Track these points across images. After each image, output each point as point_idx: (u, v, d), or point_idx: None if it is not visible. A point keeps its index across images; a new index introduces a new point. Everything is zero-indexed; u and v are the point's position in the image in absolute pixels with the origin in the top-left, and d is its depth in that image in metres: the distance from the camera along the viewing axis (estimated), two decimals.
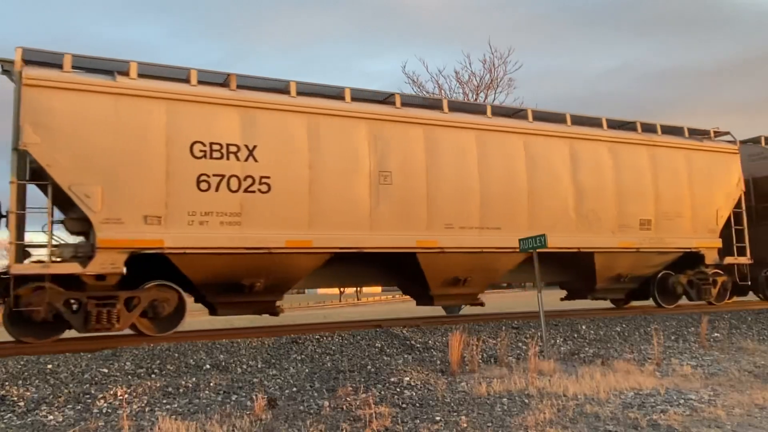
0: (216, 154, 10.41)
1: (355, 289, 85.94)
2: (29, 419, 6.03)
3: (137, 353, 8.56)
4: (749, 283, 15.77)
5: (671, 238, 14.44)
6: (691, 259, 15.10)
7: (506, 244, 12.68)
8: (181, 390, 6.95)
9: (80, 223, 9.97)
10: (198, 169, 10.26)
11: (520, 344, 10.04)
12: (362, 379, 7.49)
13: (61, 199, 9.93)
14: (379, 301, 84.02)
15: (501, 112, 13.53)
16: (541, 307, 9.78)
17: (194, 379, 7.43)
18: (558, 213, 13.25)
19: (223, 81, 10.98)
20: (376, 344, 9.83)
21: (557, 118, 13.99)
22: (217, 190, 10.36)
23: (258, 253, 10.65)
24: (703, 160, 15.13)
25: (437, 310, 20.31)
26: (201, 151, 10.32)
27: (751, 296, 17.32)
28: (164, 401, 6.56)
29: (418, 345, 9.88)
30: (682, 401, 6.46)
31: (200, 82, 10.67)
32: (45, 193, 9.81)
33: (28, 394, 6.77)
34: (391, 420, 5.73)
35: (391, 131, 11.88)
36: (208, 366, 8.42)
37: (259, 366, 8.57)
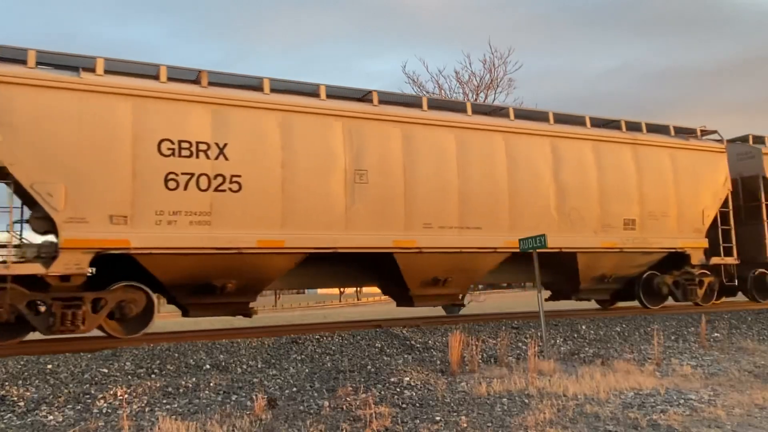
0: (185, 153, 10.06)
1: (355, 289, 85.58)
2: (29, 419, 5.96)
3: (137, 353, 8.44)
4: (736, 283, 15.38)
5: (656, 238, 14.06)
6: (677, 260, 14.72)
7: (487, 244, 12.33)
8: (181, 390, 6.86)
9: (45, 223, 9.60)
10: (166, 168, 9.91)
11: (520, 344, 9.87)
12: (362, 379, 7.40)
13: (27, 198, 9.61)
14: (379, 301, 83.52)
15: (482, 110, 13.16)
16: (541, 307, 9.65)
17: (194, 379, 7.34)
18: (540, 212, 12.87)
19: (194, 78, 10.64)
20: (376, 344, 9.71)
21: (540, 117, 13.63)
22: (185, 189, 10.01)
23: (228, 254, 10.30)
24: (689, 159, 14.75)
25: (437, 311, 20.00)
26: (169, 149, 9.96)
27: (740, 296, 16.93)
28: (164, 401, 6.48)
29: (418, 345, 9.76)
30: (682, 401, 6.38)
31: (170, 79, 10.32)
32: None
33: (28, 394, 6.67)
34: (391, 420, 5.67)
35: (368, 129, 11.52)
36: (208, 366, 8.31)
37: (259, 366, 8.46)
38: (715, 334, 11.14)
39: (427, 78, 40.19)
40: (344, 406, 6.19)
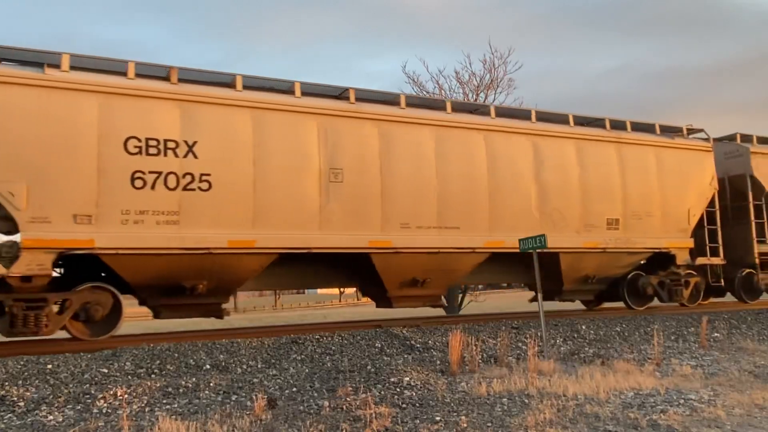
0: (152, 150, 9.70)
1: (355, 289, 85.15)
2: (29, 419, 5.89)
3: (137, 353, 8.33)
4: (722, 284, 15.01)
5: (640, 238, 13.69)
6: (663, 260, 14.36)
7: (466, 244, 11.98)
8: (181, 390, 6.79)
9: (6, 223, 9.29)
10: (133, 166, 9.56)
11: (520, 344, 9.73)
12: (362, 379, 7.32)
13: None
14: None
15: (462, 108, 12.79)
16: (541, 307, 9.55)
17: (194, 379, 7.25)
18: (520, 212, 12.50)
19: (165, 75, 10.29)
20: (376, 344, 9.60)
21: (521, 115, 13.28)
22: (153, 187, 9.66)
23: (198, 254, 9.94)
24: (675, 157, 14.37)
25: (438, 310, 19.67)
26: (136, 147, 9.61)
27: (729, 297, 16.57)
28: (164, 401, 6.41)
29: (418, 345, 9.65)
30: (682, 401, 6.33)
31: (139, 76, 9.96)
32: None
33: (28, 394, 6.58)
34: (391, 420, 5.62)
35: (344, 127, 11.17)
36: (208, 366, 8.21)
37: (259, 366, 8.36)
38: (715, 334, 11.01)
39: (428, 78, 39.84)
40: (344, 406, 6.11)
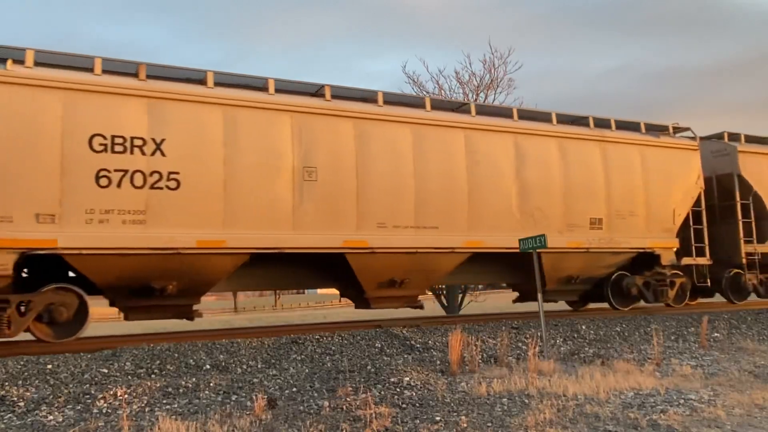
0: (118, 148, 9.36)
1: None
2: (29, 419, 5.82)
3: (137, 353, 8.23)
4: (708, 284, 14.64)
5: (624, 238, 13.32)
6: (648, 260, 13.99)
7: (444, 244, 11.63)
8: (181, 390, 6.71)
9: None
10: (98, 164, 9.21)
11: (520, 344, 9.63)
12: (362, 379, 7.25)
13: None
14: None
15: (442, 106, 12.43)
16: (541, 307, 9.46)
17: (194, 379, 7.16)
18: (501, 211, 12.14)
19: (134, 71, 9.96)
20: (376, 344, 9.50)
21: (503, 113, 12.94)
22: (119, 186, 9.32)
23: (166, 254, 9.60)
24: (660, 156, 14.00)
25: (438, 310, 19.28)
26: (101, 144, 9.27)
27: (718, 297, 16.20)
28: (164, 401, 6.35)
29: (418, 345, 9.56)
30: (682, 401, 6.28)
31: (106, 72, 9.61)
32: None
33: (28, 394, 6.50)
34: (391, 420, 5.57)
35: (318, 125, 10.82)
36: (208, 366, 8.12)
37: (259, 366, 8.28)
38: (715, 334, 10.89)
39: (428, 78, 39.43)
40: (344, 406, 6.05)
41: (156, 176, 9.55)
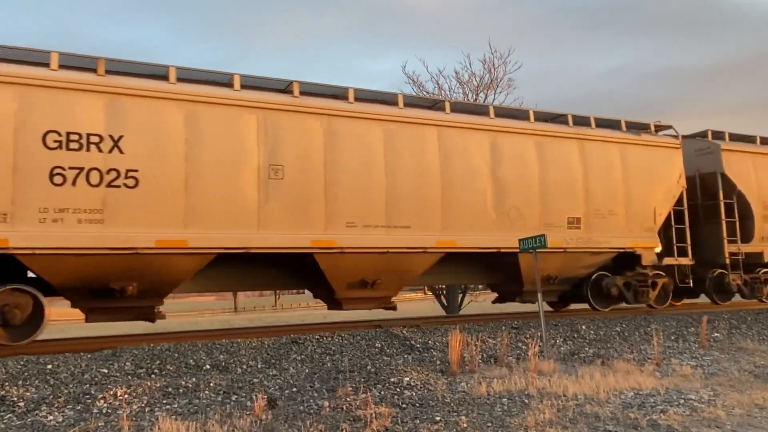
0: (74, 145, 8.94)
1: None
2: (29, 419, 5.75)
3: (137, 353, 8.15)
4: (690, 284, 14.18)
5: (603, 238, 12.86)
6: (629, 260, 13.54)
7: (416, 243, 11.18)
8: (181, 390, 6.64)
9: None
10: (52, 162, 8.79)
11: (520, 344, 9.52)
12: (362, 379, 7.19)
13: None
14: None
15: (415, 103, 11.98)
16: (541, 307, 9.35)
17: (194, 379, 7.09)
18: (475, 210, 11.70)
19: (93, 66, 9.54)
20: (376, 344, 9.41)
21: (479, 111, 12.49)
22: (74, 184, 8.90)
23: (124, 254, 9.19)
24: (641, 155, 13.54)
25: (438, 310, 18.83)
26: (56, 141, 8.85)
27: (703, 298, 15.76)
28: (164, 401, 6.28)
29: (418, 345, 9.46)
30: (682, 401, 6.23)
31: (63, 67, 9.21)
32: None
33: (28, 394, 6.43)
34: (391, 420, 5.52)
35: (286, 122, 10.39)
36: (208, 366, 8.05)
37: (259, 366, 8.20)
38: (715, 334, 10.77)
39: (427, 78, 38.97)
40: (344, 406, 6.00)
41: (113, 174, 9.13)
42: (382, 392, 6.67)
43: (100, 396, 6.33)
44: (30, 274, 9.34)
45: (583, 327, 10.91)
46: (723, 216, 14.58)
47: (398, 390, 6.79)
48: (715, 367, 8.32)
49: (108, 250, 9.08)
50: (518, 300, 13.06)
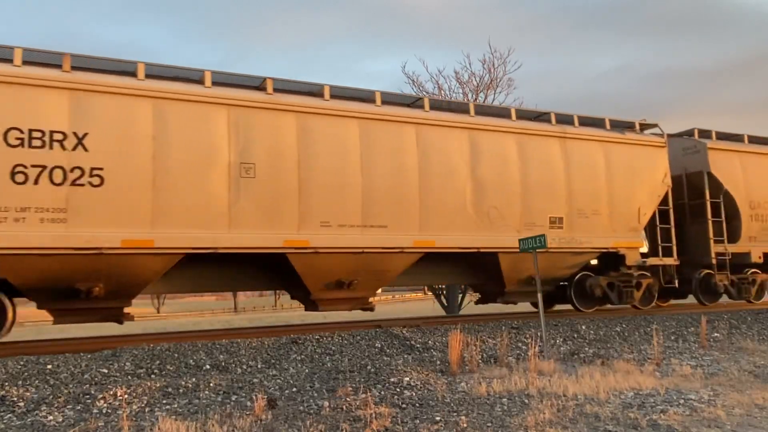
0: (36, 143, 8.63)
1: None
2: (29, 419, 5.69)
3: (137, 353, 8.10)
4: (675, 285, 13.83)
5: (586, 238, 12.52)
6: (614, 260, 13.21)
7: (393, 243, 10.86)
8: (181, 390, 6.57)
9: None
10: (13, 159, 8.48)
11: (519, 344, 9.44)
12: (362, 380, 7.11)
13: None
14: (379, 301, 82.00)
15: (393, 100, 11.62)
16: (542, 307, 9.17)
17: (194, 379, 7.01)
18: (454, 210, 11.36)
19: (59, 62, 9.23)
20: (376, 344, 9.33)
21: (459, 108, 12.16)
22: (36, 182, 8.58)
23: (89, 254, 8.88)
24: (625, 153, 13.19)
25: (438, 310, 18.56)
26: (17, 139, 8.54)
27: (691, 299, 15.41)
28: (164, 401, 6.22)
29: (418, 345, 9.38)
30: (681, 401, 6.18)
31: (27, 63, 8.90)
32: None
33: (28, 394, 6.35)
34: (391, 420, 5.46)
35: (258, 119, 10.07)
36: (208, 366, 8.00)
37: (258, 366, 8.15)
38: (715, 334, 10.68)
39: (427, 78, 38.69)
40: (344, 407, 5.95)
41: (77, 172, 8.82)
42: (382, 392, 6.61)
43: (100, 396, 6.25)
44: None
45: (583, 327, 10.79)
46: (709, 216, 14.23)
47: (398, 390, 6.71)
48: (715, 367, 8.21)
49: (72, 251, 8.77)
50: (500, 301, 12.73)
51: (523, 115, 12.69)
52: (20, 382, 6.94)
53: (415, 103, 11.83)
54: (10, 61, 8.82)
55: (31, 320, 33.52)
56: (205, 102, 9.72)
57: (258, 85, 10.53)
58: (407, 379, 7.12)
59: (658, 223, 13.54)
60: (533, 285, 12.45)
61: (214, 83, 10.00)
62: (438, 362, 8.13)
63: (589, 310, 13.13)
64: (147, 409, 5.98)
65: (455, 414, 5.74)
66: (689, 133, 15.14)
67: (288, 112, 10.29)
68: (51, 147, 8.70)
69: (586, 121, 13.19)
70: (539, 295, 9.30)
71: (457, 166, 11.48)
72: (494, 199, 11.69)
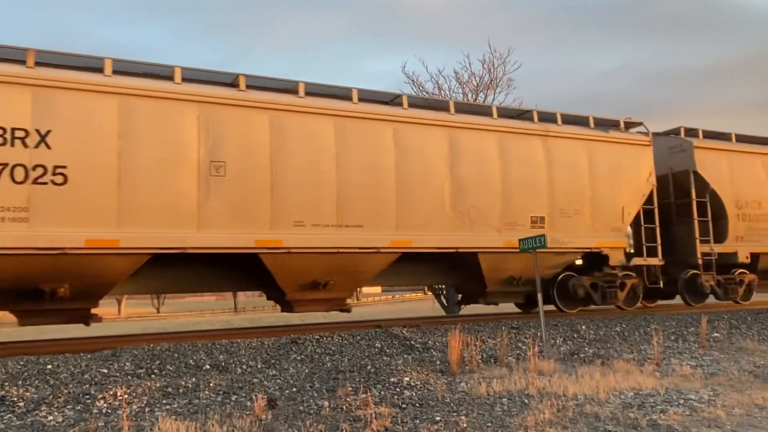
0: None
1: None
2: (29, 419, 5.62)
3: (137, 353, 8.03)
4: (660, 285, 13.48)
5: (569, 237, 12.18)
6: (598, 260, 12.88)
7: (369, 243, 10.53)
8: (180, 390, 6.51)
9: None
10: None
11: (519, 344, 9.37)
12: (362, 380, 7.05)
13: None
14: (379, 301, 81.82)
15: (371, 98, 11.29)
16: (541, 307, 9.08)
17: (194, 379, 6.94)
18: (432, 209, 11.02)
19: (23, 57, 8.91)
20: (376, 344, 9.26)
21: (439, 106, 11.83)
22: None
23: (52, 255, 8.56)
24: (609, 152, 12.84)
25: (438, 310, 18.39)
26: None
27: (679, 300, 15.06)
28: (164, 401, 6.16)
29: (418, 345, 9.31)
30: (681, 401, 6.12)
31: None
32: None
33: (28, 394, 6.29)
34: (391, 420, 5.40)
35: (229, 116, 9.74)
36: (207, 366, 7.93)
37: (258, 366, 8.08)
38: (715, 334, 10.60)
39: (427, 78, 38.38)
40: (344, 407, 5.90)
41: (40, 170, 8.50)
42: (382, 392, 6.54)
43: (100, 396, 6.19)
44: None
45: (583, 327, 10.68)
46: (695, 215, 13.89)
47: (398, 390, 6.65)
48: (715, 367, 8.12)
49: (34, 251, 8.44)
50: (481, 302, 12.41)
51: (505, 113, 12.37)
52: (20, 382, 6.87)
53: (393, 100, 11.50)
54: None
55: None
56: (173, 99, 9.39)
57: (231, 81, 10.22)
58: (407, 379, 7.05)
59: (642, 222, 13.20)
60: (515, 285, 12.22)
61: (185, 80, 9.68)
62: (438, 362, 8.05)
63: (572, 311, 12.79)
64: (147, 409, 5.92)
65: (455, 414, 5.69)
66: (675, 132, 14.80)
67: (260, 110, 9.97)
68: (12, 144, 8.38)
69: (569, 119, 12.85)
70: (539, 296, 9.08)
71: (436, 164, 11.15)
72: (474, 199, 11.36)
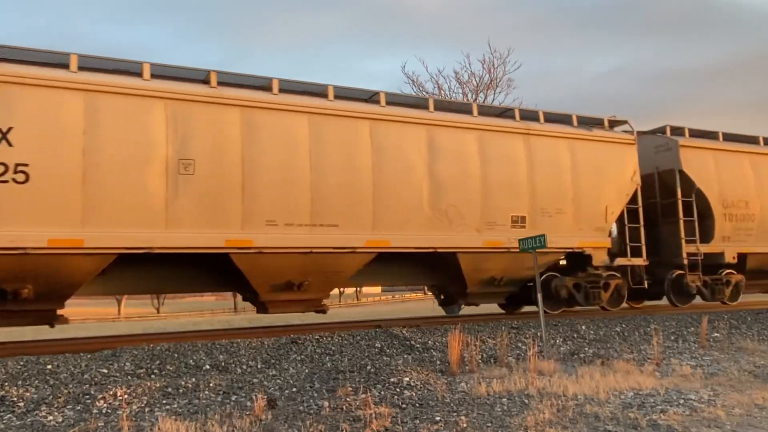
0: None
1: (355, 289, 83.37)
2: (29, 420, 5.57)
3: (137, 353, 7.97)
4: (645, 286, 13.15)
5: (550, 237, 11.84)
6: (582, 261, 12.55)
7: (344, 243, 10.21)
8: (180, 390, 6.45)
9: None
10: None
11: (519, 344, 9.27)
12: (362, 380, 6.98)
13: None
14: (379, 301, 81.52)
15: (347, 95, 10.97)
16: (541, 307, 9.00)
17: (194, 379, 6.87)
18: (410, 208, 10.70)
19: None
20: (376, 344, 9.17)
21: (418, 104, 11.52)
22: None
23: (13, 255, 8.25)
24: (592, 151, 12.51)
25: (438, 310, 18.22)
26: None
27: (664, 301, 14.73)
28: (164, 401, 6.11)
29: (418, 345, 9.23)
30: (681, 401, 6.07)
31: None
32: None
33: (28, 394, 6.23)
34: (391, 420, 5.36)
35: (198, 113, 9.43)
36: (207, 366, 7.87)
37: (258, 366, 8.01)
38: (715, 334, 10.50)
39: (427, 78, 38.12)
40: (344, 407, 5.85)
41: (1, 168, 8.19)
42: (382, 392, 6.49)
43: (100, 396, 6.13)
44: None
45: (583, 327, 10.58)
46: (681, 215, 13.55)
47: (398, 390, 6.59)
48: (714, 367, 8.04)
49: None
50: (462, 302, 12.09)
51: (486, 111, 12.05)
52: (20, 382, 6.81)
53: (371, 98, 11.17)
54: None
55: None
56: (140, 95, 9.08)
57: (203, 78, 9.91)
58: (407, 379, 6.98)
59: (627, 222, 12.88)
60: (496, 285, 11.90)
61: (154, 76, 9.38)
62: (438, 362, 7.97)
63: (555, 312, 12.46)
64: (147, 409, 5.85)
65: (455, 414, 5.63)
66: (661, 131, 14.47)
67: (232, 107, 9.65)
68: None
69: (552, 118, 12.53)
70: (539, 296, 8.89)
71: (414, 163, 10.83)
72: (453, 198, 11.03)
